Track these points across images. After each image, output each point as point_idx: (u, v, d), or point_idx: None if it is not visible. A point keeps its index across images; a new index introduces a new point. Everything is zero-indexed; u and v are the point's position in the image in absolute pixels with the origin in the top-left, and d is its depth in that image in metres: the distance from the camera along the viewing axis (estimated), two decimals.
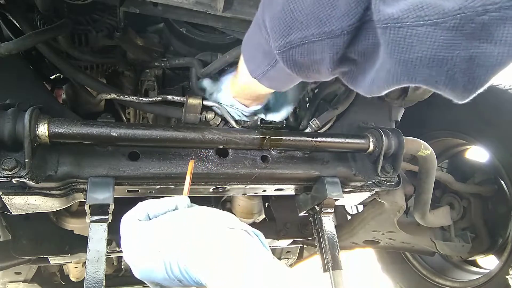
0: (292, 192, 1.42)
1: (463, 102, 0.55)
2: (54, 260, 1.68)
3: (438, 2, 0.47)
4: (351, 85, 0.69)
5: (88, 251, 0.97)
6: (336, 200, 1.30)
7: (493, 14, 0.45)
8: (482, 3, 0.45)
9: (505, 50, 0.46)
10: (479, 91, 0.53)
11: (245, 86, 1.03)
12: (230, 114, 1.23)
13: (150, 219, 0.75)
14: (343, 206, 2.30)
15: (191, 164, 0.88)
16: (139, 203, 0.76)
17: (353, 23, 0.56)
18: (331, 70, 0.64)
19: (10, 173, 0.90)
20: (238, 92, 1.12)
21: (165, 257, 0.66)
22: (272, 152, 1.27)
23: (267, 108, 1.25)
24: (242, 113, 1.21)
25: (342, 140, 1.24)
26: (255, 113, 1.23)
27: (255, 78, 0.85)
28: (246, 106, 1.16)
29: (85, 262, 0.96)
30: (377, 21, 0.52)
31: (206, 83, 1.25)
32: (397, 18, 0.49)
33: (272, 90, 0.97)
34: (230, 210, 2.05)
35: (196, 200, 1.96)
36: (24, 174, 0.91)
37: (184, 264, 0.65)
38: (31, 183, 0.96)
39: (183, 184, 1.18)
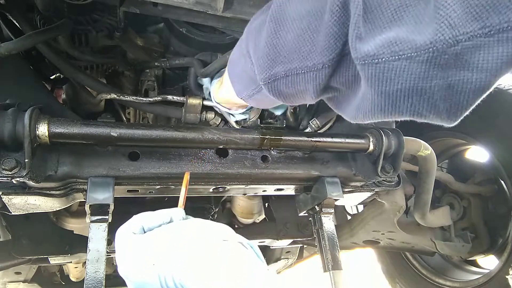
0: (292, 192, 1.42)
1: (452, 125, 0.57)
2: (54, 260, 1.68)
3: (411, 37, 0.49)
4: (337, 110, 0.72)
5: (88, 251, 0.97)
6: (336, 200, 1.30)
7: (465, 44, 0.46)
8: (452, 34, 0.46)
9: (482, 76, 0.47)
10: (464, 115, 0.54)
11: (230, 99, 1.04)
12: (230, 114, 1.24)
13: (145, 232, 0.74)
14: (343, 206, 2.30)
15: (186, 176, 0.88)
16: (134, 216, 0.76)
17: (333, 57, 0.58)
18: (315, 97, 0.67)
19: (10, 173, 0.90)
20: (221, 100, 1.11)
21: (159, 270, 0.66)
22: (272, 152, 1.27)
23: None
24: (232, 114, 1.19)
25: (342, 140, 1.24)
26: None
27: (241, 98, 0.86)
28: (229, 109, 1.15)
29: (85, 262, 0.96)
30: (355, 59, 0.54)
31: (205, 81, 1.25)
32: (373, 55, 0.52)
33: None
34: (230, 210, 2.05)
35: (196, 200, 1.96)
36: (24, 174, 0.91)
37: (179, 278, 0.64)
38: (31, 183, 0.96)
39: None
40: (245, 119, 1.23)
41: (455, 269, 2.19)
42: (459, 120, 0.55)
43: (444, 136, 2.04)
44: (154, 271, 0.66)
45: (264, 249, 2.37)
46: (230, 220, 2.09)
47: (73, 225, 1.61)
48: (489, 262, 2.05)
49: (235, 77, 0.86)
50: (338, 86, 0.64)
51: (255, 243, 0.69)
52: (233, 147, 1.20)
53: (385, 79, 0.52)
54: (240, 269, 0.63)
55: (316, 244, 1.32)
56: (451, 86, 0.50)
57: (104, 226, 1.01)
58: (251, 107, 1.14)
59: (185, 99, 1.21)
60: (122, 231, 0.75)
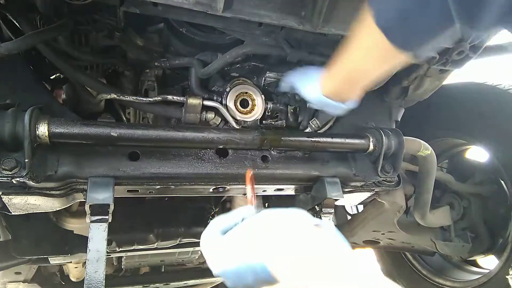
0: (292, 192, 1.42)
1: None
2: (54, 260, 1.68)
3: None
4: None
5: (88, 251, 0.97)
6: (336, 200, 1.30)
7: None
8: None
9: None
10: None
11: (351, 74, 1.03)
12: (230, 114, 1.24)
13: (223, 233, 0.76)
14: (343, 206, 2.30)
15: (248, 173, 0.89)
16: (210, 222, 0.79)
17: None
18: None
19: (10, 173, 0.90)
20: (335, 87, 1.10)
21: (249, 266, 0.68)
22: (272, 152, 1.27)
23: None
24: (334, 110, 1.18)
25: (342, 140, 1.24)
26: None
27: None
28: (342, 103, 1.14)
29: (85, 262, 0.96)
30: None
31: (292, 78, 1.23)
32: None
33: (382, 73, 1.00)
34: (230, 210, 2.05)
35: (196, 200, 1.96)
36: (24, 174, 0.91)
37: (272, 267, 0.65)
38: (31, 183, 0.96)
39: (184, 184, 1.18)
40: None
41: (455, 269, 2.19)
42: None
43: (444, 136, 2.03)
44: (246, 265, 0.68)
45: None
46: None
47: (73, 225, 1.60)
48: (489, 262, 2.04)
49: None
50: None
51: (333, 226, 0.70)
52: (233, 147, 1.20)
53: None
54: (332, 257, 0.62)
55: None
56: None
57: (104, 226, 1.01)
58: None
59: (185, 99, 1.21)
60: (205, 239, 0.77)
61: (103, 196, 1.02)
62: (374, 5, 0.85)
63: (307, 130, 1.38)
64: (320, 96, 1.13)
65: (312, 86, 1.15)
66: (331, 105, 1.13)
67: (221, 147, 1.14)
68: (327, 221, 0.70)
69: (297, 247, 0.63)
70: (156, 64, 1.27)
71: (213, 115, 1.27)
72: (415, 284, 2.25)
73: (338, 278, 0.57)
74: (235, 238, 0.72)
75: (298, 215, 0.71)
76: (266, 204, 1.97)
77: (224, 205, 2.08)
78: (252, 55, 1.30)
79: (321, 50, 1.29)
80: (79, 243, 1.62)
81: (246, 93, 1.30)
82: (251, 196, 0.87)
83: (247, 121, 1.28)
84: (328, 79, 1.12)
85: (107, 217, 1.02)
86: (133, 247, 1.70)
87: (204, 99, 1.23)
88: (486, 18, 0.69)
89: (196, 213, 1.80)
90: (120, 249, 1.68)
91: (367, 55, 0.95)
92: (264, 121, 1.35)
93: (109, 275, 2.33)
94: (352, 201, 1.59)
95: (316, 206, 1.33)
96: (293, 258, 0.62)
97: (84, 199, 1.11)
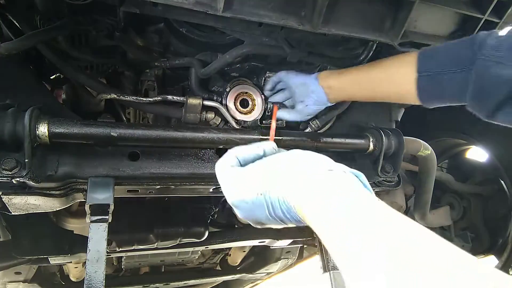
0: None
1: None
2: (54, 260, 1.69)
3: None
4: None
5: (88, 251, 0.97)
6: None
7: None
8: None
9: None
10: None
11: (361, 81, 1.13)
12: (230, 114, 1.24)
13: (241, 164, 0.77)
14: None
15: (275, 108, 1.02)
16: (228, 151, 0.79)
17: None
18: None
19: (10, 173, 0.90)
20: (336, 81, 1.16)
21: (266, 199, 0.67)
22: None
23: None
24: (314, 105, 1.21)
25: (342, 140, 1.24)
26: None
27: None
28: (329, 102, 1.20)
29: (85, 262, 0.96)
30: None
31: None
32: None
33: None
34: (230, 210, 2.05)
35: (196, 200, 1.95)
36: (24, 174, 0.91)
37: (286, 205, 0.65)
38: (31, 183, 0.96)
39: (184, 184, 1.18)
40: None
41: None
42: None
43: (444, 136, 2.03)
44: (261, 199, 0.68)
45: (264, 249, 2.37)
46: (230, 220, 2.09)
47: (73, 225, 1.61)
48: (489, 262, 2.04)
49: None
50: None
51: (359, 173, 0.66)
52: (233, 147, 1.19)
53: None
54: (348, 197, 0.58)
55: (316, 244, 1.32)
56: None
57: (104, 226, 1.01)
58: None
59: (185, 99, 1.21)
60: (221, 165, 0.77)
61: (103, 196, 1.02)
62: (423, 61, 0.98)
63: (307, 130, 1.38)
64: (314, 81, 1.17)
65: (307, 74, 1.20)
66: (316, 93, 1.17)
67: (221, 147, 1.14)
68: (357, 171, 0.66)
69: (324, 189, 0.60)
70: (156, 64, 1.27)
71: (213, 115, 1.27)
72: None
73: (350, 223, 0.53)
74: (257, 171, 0.72)
75: (324, 158, 0.70)
76: None
77: (224, 205, 2.08)
78: (252, 55, 1.30)
79: (321, 50, 1.29)
80: (79, 243, 1.62)
81: (246, 93, 1.31)
82: (273, 131, 0.91)
83: (247, 121, 1.28)
84: (332, 74, 1.17)
85: (107, 217, 1.02)
86: (133, 247, 1.70)
87: (204, 99, 1.23)
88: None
89: (196, 213, 1.80)
90: (120, 249, 1.68)
91: (387, 81, 1.05)
92: (264, 121, 1.35)
93: (109, 275, 2.32)
94: None
95: None
96: (317, 200, 0.60)
97: (84, 199, 1.11)
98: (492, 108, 0.88)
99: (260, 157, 0.77)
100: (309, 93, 1.19)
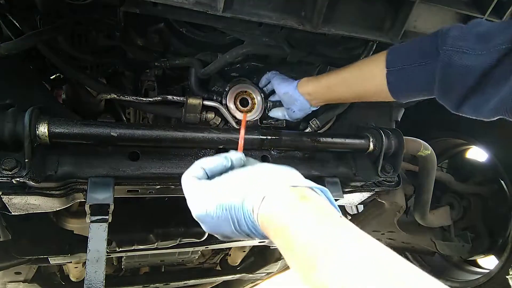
0: None
1: None
2: (54, 260, 1.69)
3: None
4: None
5: (88, 251, 0.96)
6: (336, 200, 1.30)
7: None
8: None
9: None
10: None
11: (336, 85, 1.15)
12: (230, 114, 1.24)
13: (208, 176, 0.75)
14: (343, 206, 2.30)
15: (244, 116, 0.97)
16: (195, 162, 0.77)
17: None
18: None
19: (10, 173, 0.90)
20: (314, 87, 1.18)
21: (231, 214, 0.67)
22: (272, 152, 1.27)
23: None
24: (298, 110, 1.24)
25: (342, 140, 1.24)
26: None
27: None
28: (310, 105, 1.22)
29: (85, 262, 0.96)
30: None
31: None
32: None
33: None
34: None
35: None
36: (24, 174, 0.90)
37: (251, 220, 0.65)
38: (31, 183, 0.96)
39: None
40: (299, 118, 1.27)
41: (455, 269, 2.19)
42: None
43: (444, 136, 2.04)
44: (226, 214, 0.67)
45: (264, 249, 2.37)
46: None
47: (73, 225, 1.60)
48: (489, 262, 2.05)
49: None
50: None
51: (325, 189, 0.66)
52: (233, 147, 1.19)
53: None
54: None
55: None
56: None
57: (104, 226, 1.01)
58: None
59: (185, 99, 1.21)
60: (186, 177, 0.75)
61: (103, 196, 1.02)
62: (391, 57, 0.99)
63: (307, 130, 1.38)
64: (294, 90, 1.20)
65: (289, 82, 1.22)
66: (299, 101, 1.21)
67: (221, 147, 1.14)
68: (323, 187, 0.66)
69: (288, 204, 0.61)
70: (156, 64, 1.27)
71: (213, 115, 1.27)
72: None
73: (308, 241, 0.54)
74: (223, 185, 0.71)
75: (292, 172, 0.70)
76: None
77: None
78: (252, 55, 1.31)
79: (321, 50, 1.29)
80: (79, 243, 1.62)
81: (246, 91, 1.31)
82: (242, 141, 0.86)
83: (248, 120, 1.28)
84: (311, 80, 1.20)
85: (107, 217, 1.02)
86: (133, 247, 1.70)
87: (204, 99, 1.23)
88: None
89: None
90: (120, 249, 1.68)
91: (361, 80, 1.07)
92: (264, 121, 1.35)
93: (109, 275, 2.33)
94: (352, 201, 1.59)
95: None
96: (278, 216, 0.60)
97: (84, 199, 1.11)
98: (458, 99, 0.87)
99: (228, 169, 0.76)
100: (293, 101, 1.22)
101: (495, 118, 0.83)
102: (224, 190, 0.69)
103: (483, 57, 0.78)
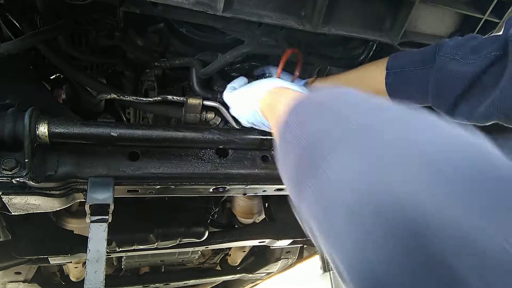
0: None
1: None
2: (54, 260, 1.69)
3: None
4: None
5: (88, 251, 0.97)
6: None
7: None
8: None
9: None
10: None
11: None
12: (231, 114, 1.24)
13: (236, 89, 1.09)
14: None
15: (287, 52, 1.13)
16: (228, 84, 1.14)
17: None
18: None
19: (10, 173, 0.90)
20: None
21: (253, 109, 0.94)
22: (272, 152, 1.27)
23: None
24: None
25: None
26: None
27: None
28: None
29: (85, 262, 0.96)
30: None
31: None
32: None
33: None
34: (230, 210, 2.05)
35: (196, 200, 1.95)
36: (24, 174, 0.91)
37: (260, 114, 0.92)
38: (31, 183, 0.96)
39: (184, 184, 1.19)
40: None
41: None
42: None
43: None
44: (251, 110, 0.96)
45: (264, 249, 2.38)
46: (230, 220, 2.09)
47: (73, 225, 1.61)
48: None
49: None
50: None
51: (304, 88, 0.97)
52: (233, 147, 1.20)
53: None
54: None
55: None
56: None
57: (104, 226, 1.01)
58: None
59: (185, 99, 1.21)
60: (225, 93, 1.11)
61: (103, 196, 1.02)
62: (393, 60, 1.04)
63: None
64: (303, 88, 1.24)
65: (296, 81, 1.25)
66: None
67: (221, 147, 1.14)
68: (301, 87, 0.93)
69: (267, 98, 0.87)
70: (156, 64, 1.27)
71: (213, 115, 1.27)
72: None
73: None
74: (245, 93, 1.01)
75: (281, 82, 0.93)
76: (266, 204, 1.98)
77: (224, 205, 2.08)
78: (252, 55, 1.31)
79: (321, 50, 1.29)
80: (79, 243, 1.62)
81: None
82: (280, 69, 1.14)
83: None
84: (319, 80, 1.25)
85: (107, 217, 1.02)
86: (133, 247, 1.70)
87: (204, 99, 1.23)
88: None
89: (196, 213, 1.80)
90: (120, 249, 1.68)
91: (362, 83, 1.13)
92: None
93: (109, 275, 2.33)
94: None
95: None
96: (268, 104, 0.86)
97: (84, 199, 1.11)
98: (449, 104, 0.92)
99: (246, 83, 1.12)
100: None
101: (489, 123, 0.86)
102: (246, 96, 0.99)
103: (474, 64, 0.85)
